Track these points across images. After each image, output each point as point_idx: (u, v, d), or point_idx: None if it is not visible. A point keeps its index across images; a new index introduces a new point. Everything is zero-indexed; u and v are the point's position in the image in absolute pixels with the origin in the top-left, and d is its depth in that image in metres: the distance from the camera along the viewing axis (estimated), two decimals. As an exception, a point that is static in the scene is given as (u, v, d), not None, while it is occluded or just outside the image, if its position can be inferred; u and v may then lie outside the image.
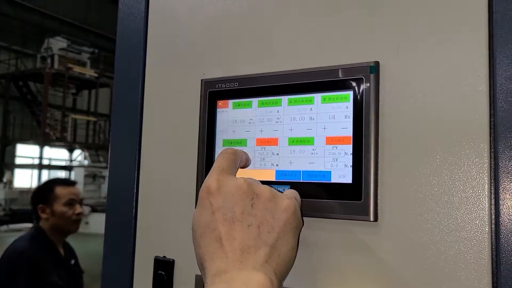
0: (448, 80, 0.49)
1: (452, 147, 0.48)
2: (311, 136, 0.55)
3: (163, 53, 0.68)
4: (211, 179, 0.48)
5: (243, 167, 0.57)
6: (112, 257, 0.69)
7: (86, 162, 13.42)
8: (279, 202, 0.47)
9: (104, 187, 12.62)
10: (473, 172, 0.46)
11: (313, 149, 0.54)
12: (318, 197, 0.53)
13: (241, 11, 0.62)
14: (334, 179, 0.53)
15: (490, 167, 0.46)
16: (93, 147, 13.83)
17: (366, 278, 0.51)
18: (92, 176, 12.47)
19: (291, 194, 0.49)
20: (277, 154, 0.57)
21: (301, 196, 0.54)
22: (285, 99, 0.57)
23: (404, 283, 0.48)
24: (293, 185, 0.55)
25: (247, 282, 0.41)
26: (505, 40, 0.46)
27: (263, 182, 0.56)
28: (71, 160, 13.82)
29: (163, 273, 0.64)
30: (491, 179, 0.46)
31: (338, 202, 0.52)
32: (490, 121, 0.46)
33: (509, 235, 0.44)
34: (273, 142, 0.57)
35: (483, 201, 0.46)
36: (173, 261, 0.64)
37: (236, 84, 0.60)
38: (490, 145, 0.46)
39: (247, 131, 0.59)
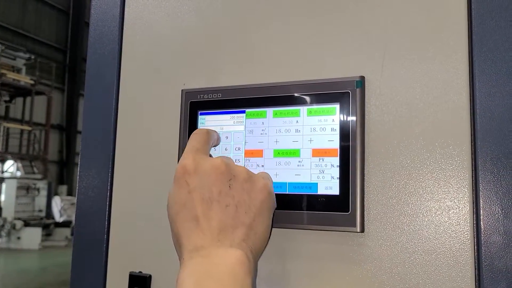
0: (430, 95, 0.51)
1: (435, 158, 0.50)
2: (297, 148, 0.55)
3: (139, 62, 0.67)
4: (187, 159, 0.48)
5: (215, 146, 0.58)
6: (81, 273, 0.65)
7: (18, 174, 12.68)
8: (255, 182, 0.49)
9: (39, 200, 11.99)
10: (455, 182, 0.49)
11: (299, 161, 0.55)
12: (305, 209, 0.54)
13: (225, 20, 0.62)
14: (321, 191, 0.53)
15: (472, 178, 0.48)
16: (27, 158, 13.12)
17: (353, 287, 0.51)
18: (25, 189, 11.79)
19: (265, 175, 0.52)
20: (262, 166, 0.57)
21: (287, 208, 0.55)
22: (270, 111, 0.57)
23: (391, 292, 0.50)
24: (279, 197, 0.55)
25: (224, 257, 0.43)
26: (484, 58, 0.49)
27: (248, 194, 0.56)
28: (2, 171, 13.01)
29: (139, 289, 0.61)
30: (472, 189, 0.48)
31: (325, 214, 0.53)
32: (471, 135, 0.49)
33: (489, 241, 0.47)
34: (258, 154, 0.57)
35: (464, 210, 0.48)
36: (150, 276, 0.61)
37: (219, 95, 0.60)
38: (471, 157, 0.49)
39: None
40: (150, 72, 0.66)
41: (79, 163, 0.68)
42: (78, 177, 0.67)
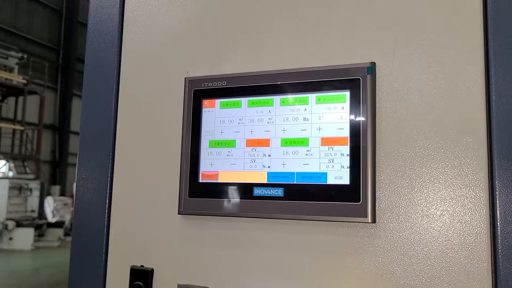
0: (444, 81, 0.49)
1: (449, 146, 0.48)
2: (306, 137, 0.54)
3: (140, 50, 0.65)
4: None
5: None
6: (80, 268, 0.63)
7: (11, 174, 12.55)
8: None
9: (31, 200, 11.88)
10: (470, 170, 0.47)
11: (307, 150, 0.53)
12: (313, 199, 0.52)
13: (229, 6, 0.60)
14: (330, 181, 0.52)
15: (488, 165, 0.47)
16: (19, 158, 12.99)
17: (365, 280, 0.50)
18: (17, 189, 11.67)
19: None
20: (269, 155, 0.55)
21: (295, 198, 0.53)
22: (277, 99, 0.56)
23: (403, 284, 0.48)
24: (287, 187, 0.53)
25: None
26: (500, 43, 0.47)
27: (254, 185, 0.54)
28: (-7, 172, 12.86)
29: (140, 283, 0.59)
30: (488, 177, 0.47)
31: (334, 204, 0.51)
32: (486, 121, 0.47)
33: (506, 231, 0.45)
34: (264, 143, 0.55)
35: (480, 199, 0.47)
36: (152, 270, 0.59)
37: (224, 83, 0.58)
38: (487, 144, 0.47)
39: (236, 131, 0.57)
40: (151, 60, 0.64)
41: (78, 154, 0.66)
42: (76, 169, 0.65)
